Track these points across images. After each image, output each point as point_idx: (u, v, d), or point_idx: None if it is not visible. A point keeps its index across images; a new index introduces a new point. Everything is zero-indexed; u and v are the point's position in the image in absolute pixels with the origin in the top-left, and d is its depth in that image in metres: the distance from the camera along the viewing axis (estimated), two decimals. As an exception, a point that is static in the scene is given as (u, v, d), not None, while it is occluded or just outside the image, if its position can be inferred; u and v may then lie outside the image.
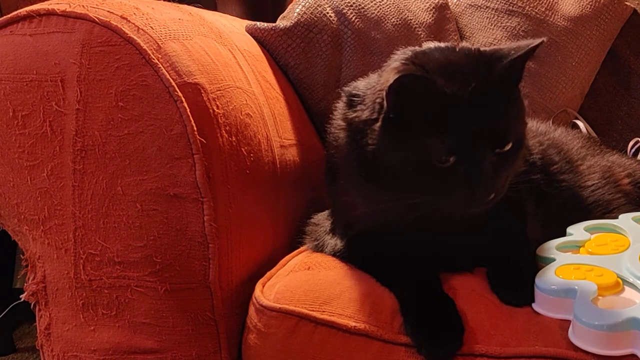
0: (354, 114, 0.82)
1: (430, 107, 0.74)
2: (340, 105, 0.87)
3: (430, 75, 0.74)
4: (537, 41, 0.77)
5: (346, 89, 0.87)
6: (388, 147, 0.76)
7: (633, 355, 0.66)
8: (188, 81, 0.81)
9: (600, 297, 0.72)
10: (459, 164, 0.74)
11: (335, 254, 0.89)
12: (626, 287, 0.74)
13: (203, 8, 1.12)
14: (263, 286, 0.84)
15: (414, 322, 0.74)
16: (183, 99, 0.79)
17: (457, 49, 0.82)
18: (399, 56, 0.82)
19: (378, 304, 0.78)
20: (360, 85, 0.86)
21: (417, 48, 0.84)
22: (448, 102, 0.74)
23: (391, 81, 0.71)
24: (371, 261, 0.84)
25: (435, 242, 0.81)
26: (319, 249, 0.92)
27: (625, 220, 0.92)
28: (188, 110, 0.79)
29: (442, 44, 0.85)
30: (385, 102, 0.74)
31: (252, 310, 0.82)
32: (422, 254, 0.81)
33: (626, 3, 1.45)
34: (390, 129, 0.76)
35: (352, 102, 0.84)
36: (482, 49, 0.81)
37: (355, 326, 0.76)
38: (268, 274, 0.87)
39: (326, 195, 0.96)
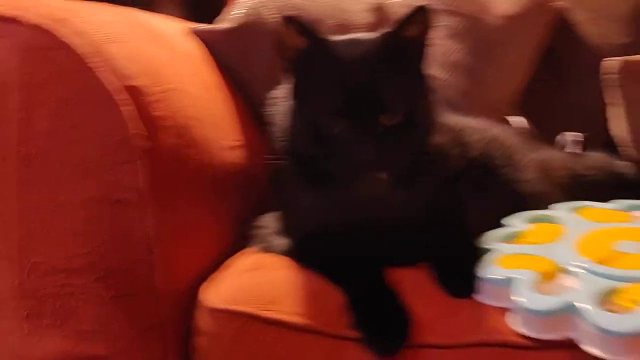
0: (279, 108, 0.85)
1: (319, 71, 0.80)
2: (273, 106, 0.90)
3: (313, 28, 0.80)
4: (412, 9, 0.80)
5: (274, 91, 0.91)
6: (293, 122, 0.81)
7: (570, 339, 0.68)
8: (128, 84, 0.80)
9: (539, 284, 0.74)
10: (344, 130, 0.78)
11: (282, 255, 0.89)
12: (563, 274, 0.77)
13: (141, 10, 1.10)
14: (210, 289, 0.84)
15: (362, 317, 0.75)
16: (124, 103, 0.78)
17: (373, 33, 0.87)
18: None
19: (327, 301, 0.78)
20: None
21: None
22: (336, 65, 0.79)
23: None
24: (318, 260, 0.85)
25: (380, 240, 0.83)
26: (266, 250, 0.93)
27: (561, 210, 0.96)
28: (130, 114, 0.78)
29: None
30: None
31: (199, 313, 0.82)
32: (368, 251, 0.82)
33: (557, 3, 1.50)
34: (292, 102, 0.82)
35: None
36: None
37: (304, 324, 0.76)
38: (214, 276, 0.86)
39: (272, 196, 0.97)
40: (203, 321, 0.80)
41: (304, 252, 0.87)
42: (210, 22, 1.21)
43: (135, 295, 0.80)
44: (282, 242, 0.91)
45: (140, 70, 0.83)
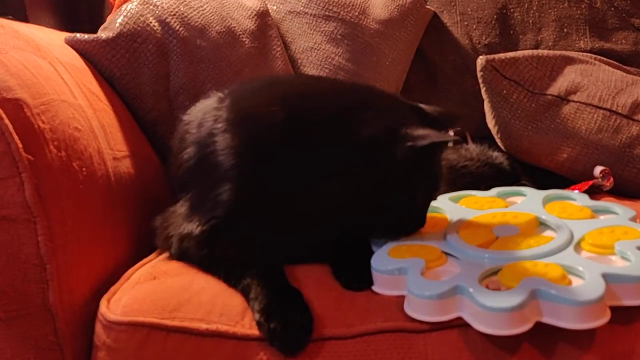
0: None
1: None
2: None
3: None
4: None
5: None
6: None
7: (460, 318, 0.73)
8: (7, 97, 0.77)
9: (428, 271, 0.79)
10: None
11: (186, 243, 0.88)
12: (449, 259, 0.82)
13: (14, 20, 1.06)
14: (108, 301, 0.82)
15: (264, 316, 0.76)
16: (4, 116, 0.75)
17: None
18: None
19: (228, 303, 0.79)
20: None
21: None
22: None
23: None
24: (219, 258, 0.85)
25: (291, 240, 0.85)
26: (168, 240, 0.91)
27: (443, 200, 1.02)
28: (10, 127, 0.75)
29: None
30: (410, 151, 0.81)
31: (99, 327, 0.80)
32: (277, 250, 0.84)
33: (427, 7, 1.58)
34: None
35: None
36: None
37: (207, 328, 0.76)
38: (112, 288, 0.85)
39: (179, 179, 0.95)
40: (104, 335, 0.78)
41: (214, 239, 0.86)
42: (88, 31, 1.18)
43: (28, 315, 0.77)
44: (190, 226, 0.88)
45: (19, 82, 0.80)
